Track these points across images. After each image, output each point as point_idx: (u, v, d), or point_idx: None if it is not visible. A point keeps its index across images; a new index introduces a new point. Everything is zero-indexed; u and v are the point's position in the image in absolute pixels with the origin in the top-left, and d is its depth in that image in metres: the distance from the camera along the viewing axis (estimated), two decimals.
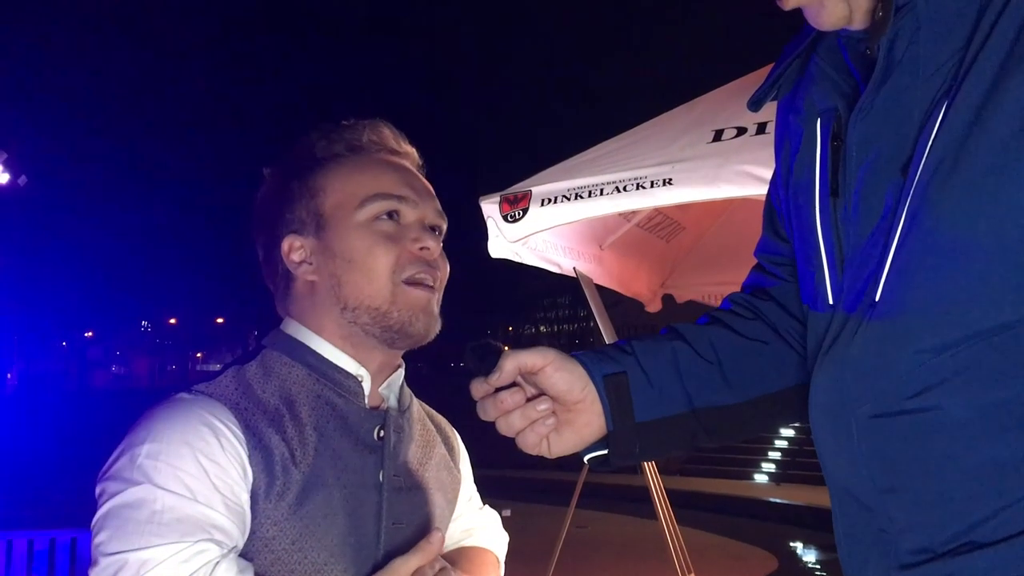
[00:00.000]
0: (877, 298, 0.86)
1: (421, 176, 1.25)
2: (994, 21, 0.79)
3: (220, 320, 51.02)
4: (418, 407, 1.31)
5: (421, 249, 1.16)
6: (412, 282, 1.15)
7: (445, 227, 1.24)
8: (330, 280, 1.15)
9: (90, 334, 44.98)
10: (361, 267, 1.14)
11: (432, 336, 1.18)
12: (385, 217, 1.16)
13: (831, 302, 0.94)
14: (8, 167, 9.41)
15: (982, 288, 0.79)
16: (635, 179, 3.16)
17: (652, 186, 3.11)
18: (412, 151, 1.27)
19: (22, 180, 9.62)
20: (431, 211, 1.21)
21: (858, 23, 0.90)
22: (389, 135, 1.24)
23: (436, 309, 1.18)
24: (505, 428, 1.02)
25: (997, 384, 0.79)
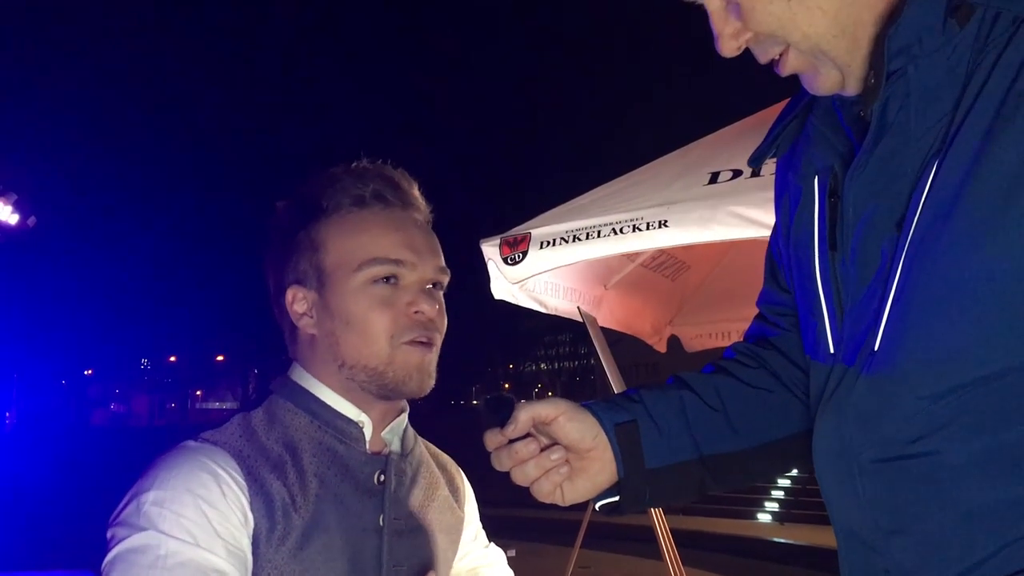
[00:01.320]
0: (876, 347, 0.90)
1: (426, 229, 1.26)
2: (980, 87, 0.83)
3: (220, 358, 50.72)
4: (423, 449, 1.33)
5: (416, 313, 1.18)
6: (410, 343, 1.17)
7: (447, 280, 1.25)
8: (329, 337, 1.18)
9: (90, 372, 44.70)
10: (358, 330, 1.16)
11: (425, 392, 1.20)
12: (382, 281, 1.18)
13: (832, 351, 0.98)
14: (18, 208, 9.50)
15: (976, 337, 0.82)
16: (632, 221, 3.19)
17: (648, 228, 3.13)
18: (421, 202, 1.27)
19: (31, 221, 9.71)
20: (431, 269, 1.21)
21: (851, 88, 0.94)
22: (397, 186, 1.24)
23: (432, 367, 1.20)
24: (520, 477, 1.06)
25: (994, 429, 0.82)
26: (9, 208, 9.36)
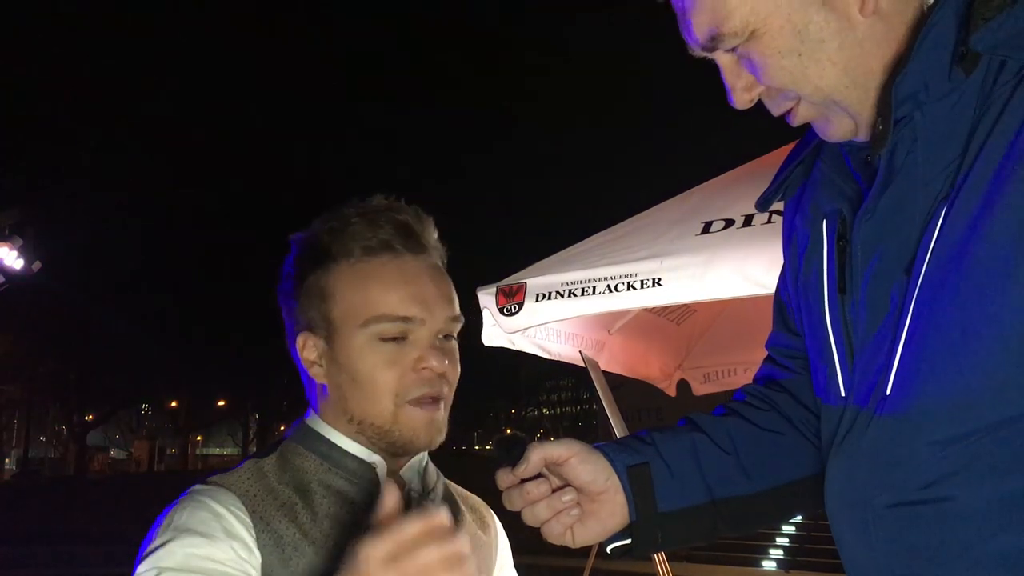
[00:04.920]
0: (888, 392, 0.90)
1: (438, 276, 1.20)
2: (988, 133, 0.84)
3: (221, 403, 50.34)
4: (447, 489, 1.31)
5: (424, 369, 1.14)
6: (416, 402, 1.14)
7: (460, 327, 1.21)
8: (337, 391, 1.17)
9: (90, 418, 44.35)
10: (364, 387, 1.14)
11: (435, 446, 1.18)
12: (390, 339, 1.14)
13: (843, 394, 0.97)
14: (23, 253, 9.55)
15: (988, 382, 0.82)
16: (626, 278, 3.18)
17: (642, 286, 3.12)
18: (434, 246, 1.22)
19: (36, 266, 9.75)
20: (441, 320, 1.17)
21: (863, 135, 0.96)
22: (409, 232, 1.18)
23: (441, 422, 1.17)
24: (531, 518, 1.06)
25: (1008, 475, 0.82)
26: (14, 253, 9.41)
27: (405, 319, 1.14)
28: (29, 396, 41.34)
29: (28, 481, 37.95)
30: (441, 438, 1.18)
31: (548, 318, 3.49)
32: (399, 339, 1.15)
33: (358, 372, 1.14)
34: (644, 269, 3.15)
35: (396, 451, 1.18)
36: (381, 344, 1.14)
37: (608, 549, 1.12)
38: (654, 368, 4.92)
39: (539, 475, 1.06)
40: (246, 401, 48.54)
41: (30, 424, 46.43)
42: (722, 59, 0.97)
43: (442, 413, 1.18)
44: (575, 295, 3.31)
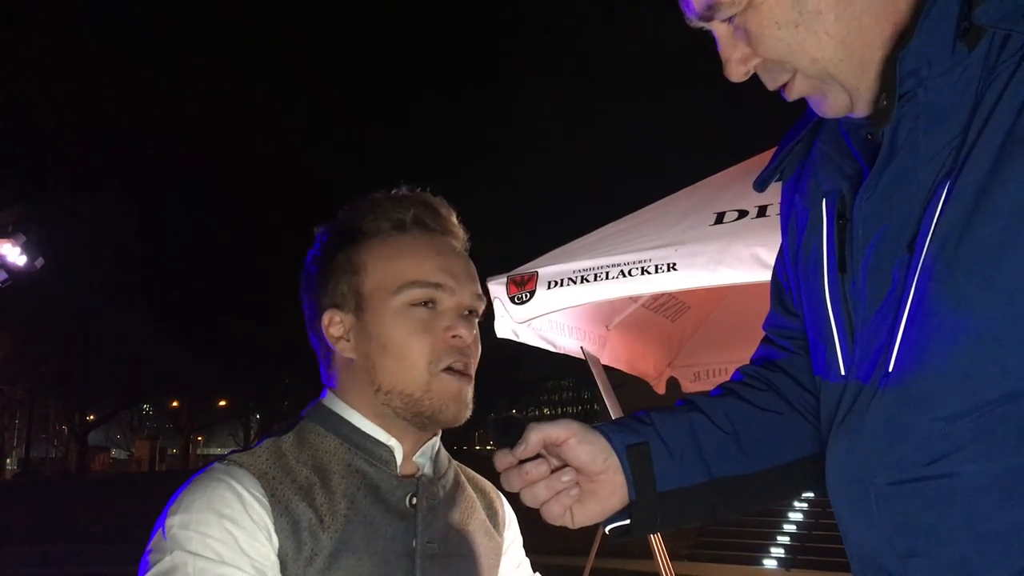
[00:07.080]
0: (890, 368, 0.89)
1: (464, 256, 1.27)
2: (991, 107, 0.84)
3: (223, 403, 50.46)
4: (457, 473, 1.33)
5: (453, 337, 1.18)
6: (448, 370, 1.17)
7: (483, 307, 1.26)
8: (366, 361, 1.19)
9: (92, 417, 44.40)
10: (396, 354, 1.17)
11: (461, 421, 1.20)
12: (421, 305, 1.18)
13: (843, 372, 0.97)
14: (26, 250, 9.54)
15: (991, 358, 0.82)
16: (640, 263, 3.18)
17: (656, 271, 3.12)
18: (458, 229, 1.28)
19: (39, 262, 9.74)
20: (468, 295, 1.22)
21: (860, 111, 0.95)
22: (436, 213, 1.25)
23: (469, 396, 1.20)
24: (530, 499, 1.05)
25: (1012, 451, 0.81)
26: (17, 250, 9.40)
27: (436, 285, 1.19)
28: (31, 396, 41.37)
29: (29, 481, 38.00)
30: (467, 413, 1.21)
31: (560, 305, 3.48)
32: (429, 305, 1.18)
33: (390, 339, 1.17)
34: (658, 256, 3.14)
35: (422, 422, 1.19)
36: (413, 310, 1.18)
37: (607, 529, 1.11)
38: (649, 365, 4.93)
39: (538, 456, 1.06)
40: (247, 401, 48.73)
41: (31, 424, 46.42)
42: (718, 29, 0.96)
43: (470, 389, 1.21)
44: (588, 281, 3.30)
